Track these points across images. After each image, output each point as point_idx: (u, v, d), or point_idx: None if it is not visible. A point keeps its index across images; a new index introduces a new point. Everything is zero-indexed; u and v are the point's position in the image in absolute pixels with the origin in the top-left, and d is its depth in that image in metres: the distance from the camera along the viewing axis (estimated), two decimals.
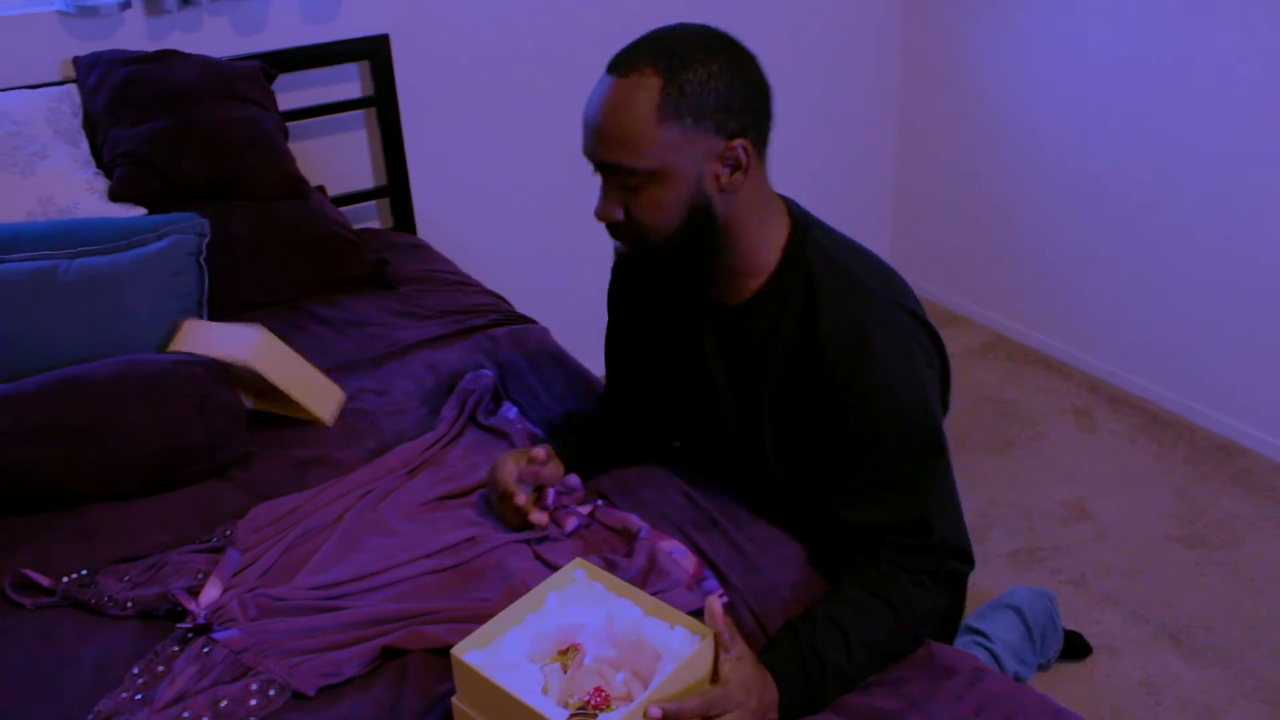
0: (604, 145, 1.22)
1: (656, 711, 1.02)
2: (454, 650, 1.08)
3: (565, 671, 1.10)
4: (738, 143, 1.22)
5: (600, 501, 1.46)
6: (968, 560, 1.30)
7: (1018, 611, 1.89)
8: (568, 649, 1.13)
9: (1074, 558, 2.41)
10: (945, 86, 3.20)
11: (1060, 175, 2.97)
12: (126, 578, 1.34)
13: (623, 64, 1.22)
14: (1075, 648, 2.10)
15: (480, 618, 1.21)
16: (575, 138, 3.00)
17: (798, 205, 1.35)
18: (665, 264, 1.31)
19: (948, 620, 1.32)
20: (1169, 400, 2.89)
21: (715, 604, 1.09)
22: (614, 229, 1.28)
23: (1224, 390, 2.75)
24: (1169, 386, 2.88)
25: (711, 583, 1.29)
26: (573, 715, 1.06)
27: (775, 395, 1.31)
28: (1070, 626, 2.22)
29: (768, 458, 1.34)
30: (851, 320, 1.24)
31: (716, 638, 1.09)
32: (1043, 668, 2.02)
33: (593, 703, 1.07)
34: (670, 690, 1.05)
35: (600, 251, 2.97)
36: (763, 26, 2.94)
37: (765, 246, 1.30)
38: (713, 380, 1.37)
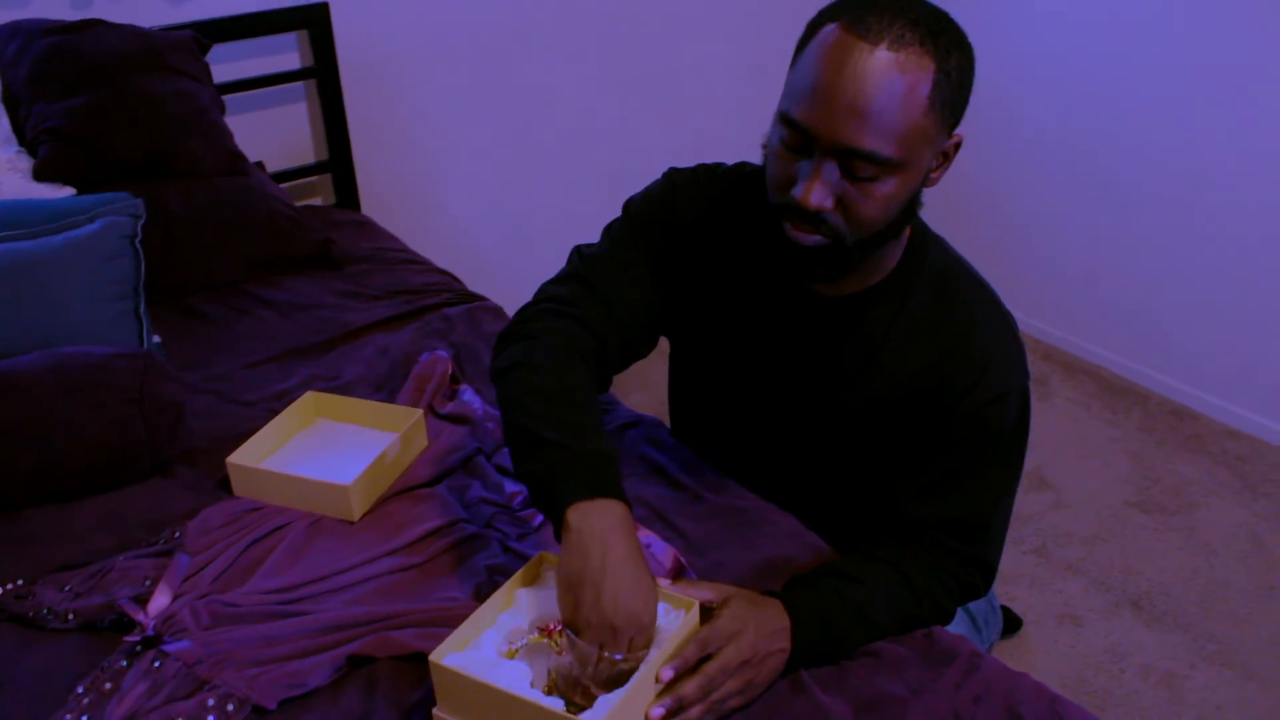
0: (860, 128, 1.03)
1: (668, 673, 1.00)
2: (432, 657, 1.03)
3: (559, 654, 1.06)
4: (955, 139, 1.13)
5: None
6: (989, 579, 1.29)
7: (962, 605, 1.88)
8: (548, 629, 1.10)
9: (1035, 527, 2.41)
10: None
11: (1014, 142, 2.96)
12: (67, 587, 1.25)
13: (886, 33, 1.03)
14: (1007, 623, 2.10)
15: (450, 619, 1.16)
16: (522, 106, 2.84)
17: None
18: (852, 264, 1.16)
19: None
20: (1122, 367, 2.90)
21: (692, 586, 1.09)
22: (810, 218, 1.10)
23: (1176, 356, 2.77)
24: (1122, 353, 2.90)
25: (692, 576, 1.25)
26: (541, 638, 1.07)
27: (874, 390, 1.24)
28: (1034, 597, 2.22)
29: (848, 445, 1.30)
30: (985, 335, 1.20)
31: (701, 606, 1.08)
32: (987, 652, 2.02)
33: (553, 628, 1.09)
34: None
35: (551, 225, 2.92)
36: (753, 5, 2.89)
37: (894, 243, 1.21)
38: (794, 365, 1.29)
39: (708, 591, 1.10)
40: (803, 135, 1.07)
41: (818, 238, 1.11)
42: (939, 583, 1.23)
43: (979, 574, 1.27)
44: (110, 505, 1.41)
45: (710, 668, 1.02)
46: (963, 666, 1.13)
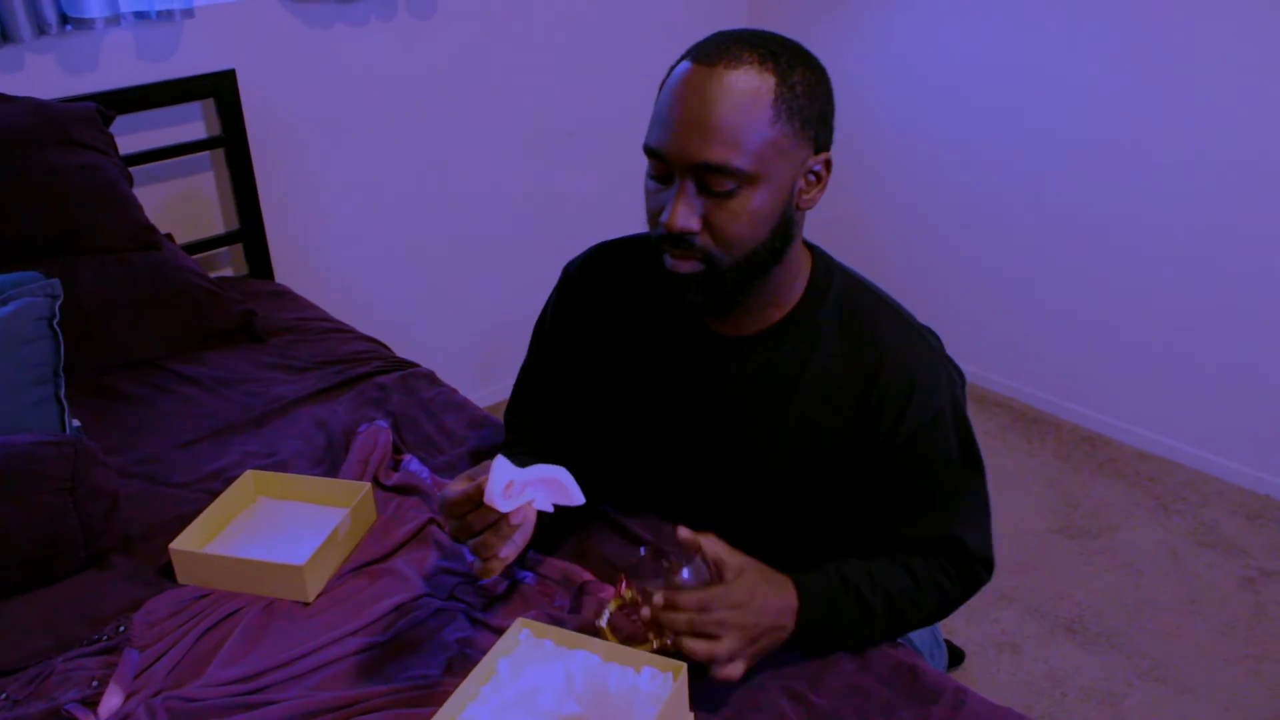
0: (706, 141, 1.08)
1: (659, 599, 1.07)
2: None
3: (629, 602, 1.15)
4: (823, 156, 1.17)
5: (531, 552, 1.38)
6: (989, 568, 1.32)
7: (906, 640, 1.90)
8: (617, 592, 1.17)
9: None
10: None
11: (909, 181, 3.06)
12: (4, 694, 1.17)
13: (722, 56, 1.10)
14: (951, 656, 2.13)
15: (425, 699, 1.13)
16: (433, 168, 2.86)
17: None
18: (730, 289, 1.18)
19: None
20: (1033, 397, 3.00)
21: (693, 537, 1.11)
22: (681, 243, 1.13)
23: (1085, 385, 2.88)
24: (1033, 385, 3.00)
25: None
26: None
27: (802, 424, 1.26)
28: (973, 629, 2.26)
29: (775, 486, 1.30)
30: (901, 358, 1.22)
31: (719, 564, 1.11)
32: None
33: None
34: None
35: (468, 287, 2.89)
36: (593, 30, 2.92)
37: (796, 275, 1.25)
38: (709, 409, 1.29)
39: (726, 554, 1.12)
40: (662, 162, 1.13)
41: (693, 263, 1.15)
42: (940, 570, 1.27)
43: (976, 563, 1.30)
44: (44, 602, 1.33)
45: (709, 611, 1.07)
46: (949, 703, 1.14)
